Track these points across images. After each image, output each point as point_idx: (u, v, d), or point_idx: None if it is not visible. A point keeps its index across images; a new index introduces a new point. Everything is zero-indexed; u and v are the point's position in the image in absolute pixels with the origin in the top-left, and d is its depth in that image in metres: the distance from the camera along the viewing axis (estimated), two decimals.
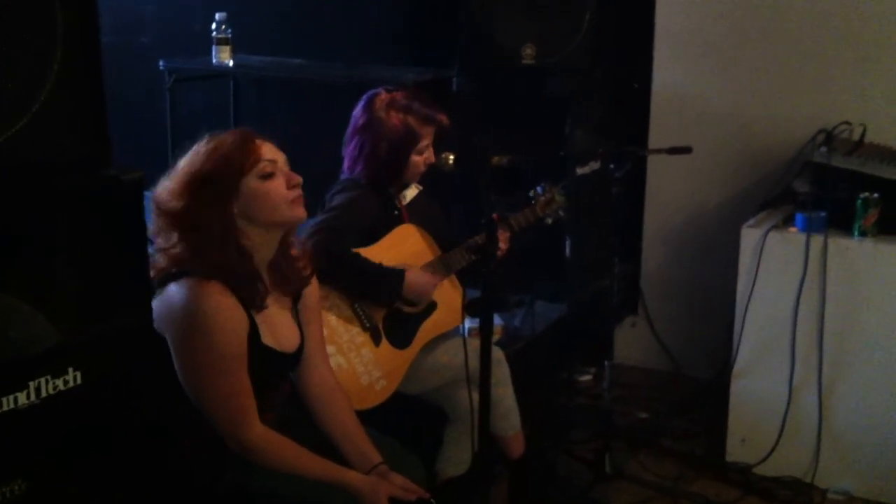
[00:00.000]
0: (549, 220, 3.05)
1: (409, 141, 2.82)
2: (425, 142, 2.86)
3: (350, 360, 2.69)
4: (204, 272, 2.10)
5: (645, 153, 3.85)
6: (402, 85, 3.18)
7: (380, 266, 2.74)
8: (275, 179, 2.18)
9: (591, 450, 3.35)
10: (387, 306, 2.80)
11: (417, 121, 2.83)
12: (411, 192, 2.97)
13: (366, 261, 2.72)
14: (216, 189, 2.14)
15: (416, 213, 2.97)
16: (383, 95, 2.87)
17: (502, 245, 2.90)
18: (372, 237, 2.81)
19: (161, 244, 2.16)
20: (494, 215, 2.91)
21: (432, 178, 3.00)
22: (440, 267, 2.88)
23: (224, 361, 2.09)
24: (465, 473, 2.86)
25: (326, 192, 2.85)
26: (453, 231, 3.09)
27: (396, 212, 2.93)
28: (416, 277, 2.79)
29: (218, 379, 2.10)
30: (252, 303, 2.16)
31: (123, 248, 1.69)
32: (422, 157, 2.86)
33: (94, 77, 1.59)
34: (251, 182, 2.16)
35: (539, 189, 3.02)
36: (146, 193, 1.85)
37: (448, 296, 2.90)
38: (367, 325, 2.75)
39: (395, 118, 2.82)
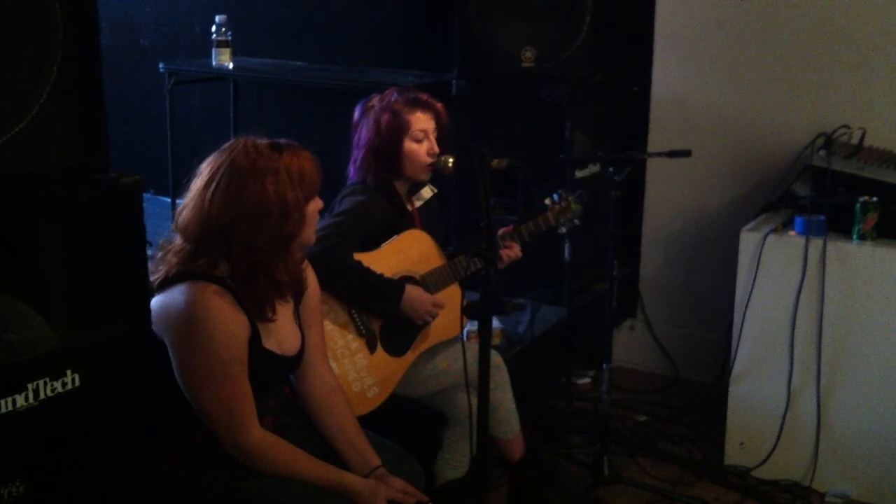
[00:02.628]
0: (563, 230, 3.04)
1: (398, 127, 2.81)
2: (418, 127, 2.82)
3: (343, 366, 2.68)
4: (209, 276, 2.10)
5: (644, 156, 3.86)
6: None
7: (381, 277, 2.71)
8: (318, 204, 2.24)
9: (590, 453, 3.35)
10: (383, 317, 2.79)
11: (403, 106, 2.83)
12: (427, 193, 2.96)
13: (367, 270, 2.69)
14: (293, 212, 2.14)
15: (427, 217, 2.96)
16: (374, 97, 2.90)
17: (510, 254, 2.89)
18: (380, 239, 2.80)
19: (172, 248, 2.16)
20: (510, 226, 2.93)
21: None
22: (446, 274, 2.87)
23: (224, 365, 2.09)
24: (464, 477, 2.85)
25: (335, 194, 2.84)
26: (451, 236, 3.09)
27: (407, 215, 2.92)
28: (416, 295, 2.76)
29: (218, 383, 2.09)
30: (262, 314, 2.16)
31: (121, 250, 1.69)
32: (421, 146, 2.83)
33: (93, 81, 1.59)
34: (312, 206, 2.21)
35: (555, 197, 3.01)
36: (166, 198, 1.85)
37: (449, 304, 2.86)
38: (364, 331, 2.74)
39: (384, 110, 2.84)
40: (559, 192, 3.02)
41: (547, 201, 3.02)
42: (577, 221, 3.04)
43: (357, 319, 2.73)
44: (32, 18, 1.51)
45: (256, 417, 2.16)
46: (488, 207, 2.18)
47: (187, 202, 2.15)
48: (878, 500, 3.20)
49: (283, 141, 2.20)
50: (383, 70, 4.18)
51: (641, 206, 4.15)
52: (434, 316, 2.80)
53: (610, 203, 3.14)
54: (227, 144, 2.18)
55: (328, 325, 2.67)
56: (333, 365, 2.63)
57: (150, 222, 1.76)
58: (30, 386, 1.55)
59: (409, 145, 2.83)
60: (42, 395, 1.57)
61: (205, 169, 2.15)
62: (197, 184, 2.14)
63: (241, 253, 2.10)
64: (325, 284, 2.59)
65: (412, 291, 2.75)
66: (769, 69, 3.79)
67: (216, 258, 2.12)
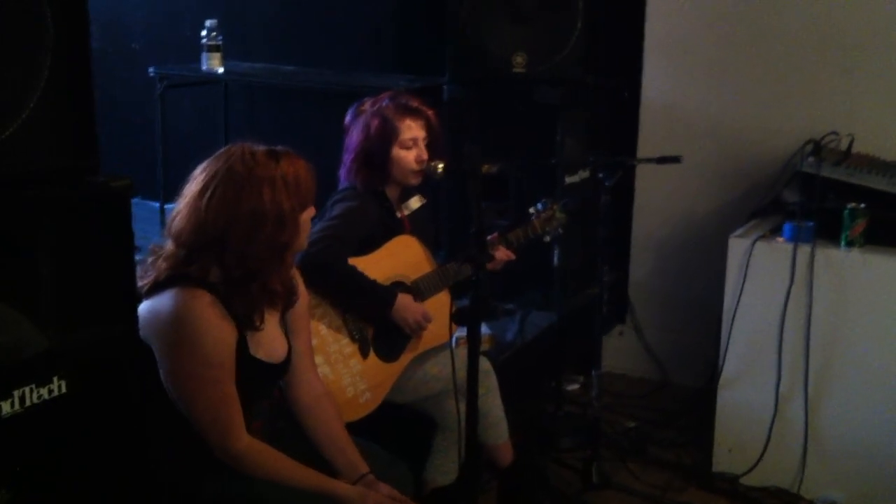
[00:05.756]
0: (548, 238, 3.05)
1: (387, 133, 2.81)
2: (408, 135, 2.83)
3: (337, 371, 2.68)
4: (199, 282, 2.10)
5: (634, 162, 3.86)
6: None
7: (374, 283, 2.72)
8: (311, 212, 2.23)
9: (579, 459, 3.35)
10: (374, 322, 2.79)
11: (394, 112, 2.83)
12: (415, 203, 2.97)
13: (361, 275, 2.70)
14: (289, 221, 2.13)
15: (416, 225, 2.97)
16: (366, 101, 2.90)
17: (500, 256, 2.89)
18: (371, 245, 2.80)
19: (163, 253, 2.15)
20: (495, 234, 2.94)
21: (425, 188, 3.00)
22: (437, 279, 2.87)
23: (211, 371, 2.08)
24: (453, 483, 2.85)
25: (327, 199, 2.84)
26: (442, 242, 3.09)
27: (397, 221, 2.92)
28: (407, 303, 2.76)
29: (205, 389, 2.09)
30: (250, 322, 2.16)
31: (110, 255, 1.69)
32: (410, 153, 2.84)
33: (83, 84, 1.59)
34: (305, 215, 2.20)
35: (539, 205, 3.02)
36: (155, 203, 1.84)
37: (441, 310, 2.86)
38: (357, 336, 2.74)
39: (374, 115, 2.84)
40: (544, 200, 3.02)
41: (532, 210, 3.03)
42: (561, 230, 3.05)
43: (351, 324, 2.73)
44: (23, 21, 1.50)
45: (244, 424, 2.15)
46: (479, 212, 2.18)
47: (181, 208, 2.13)
48: None
49: (279, 148, 2.18)
50: (375, 74, 4.18)
51: (631, 211, 4.16)
52: (423, 327, 2.80)
53: (600, 208, 3.14)
54: (222, 150, 2.16)
55: (322, 329, 2.67)
56: (327, 369, 2.64)
57: (139, 227, 1.76)
58: (16, 393, 1.54)
59: (398, 152, 2.83)
60: (28, 402, 1.56)
61: (200, 175, 2.13)
62: (192, 190, 2.12)
63: (234, 261, 2.09)
64: (317, 287, 2.59)
65: (403, 300, 2.75)
66: (759, 75, 3.81)
67: (208, 264, 2.11)
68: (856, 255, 3.12)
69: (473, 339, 2.16)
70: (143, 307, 2.07)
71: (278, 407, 2.35)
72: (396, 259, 2.83)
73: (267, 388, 2.31)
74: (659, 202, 4.10)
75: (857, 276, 3.11)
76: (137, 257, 1.95)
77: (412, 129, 2.84)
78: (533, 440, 3.53)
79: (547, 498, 3.21)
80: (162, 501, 1.91)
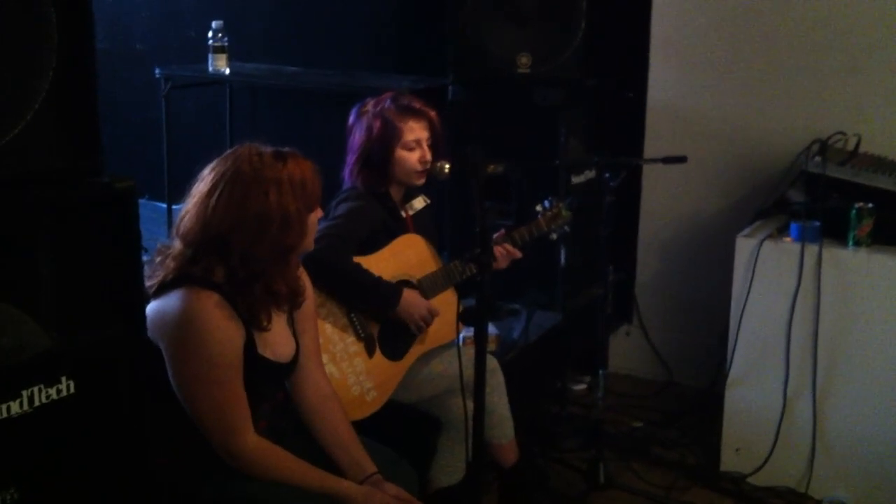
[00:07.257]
0: (554, 236, 3.05)
1: (389, 134, 2.82)
2: (411, 136, 2.83)
3: (342, 369, 2.68)
4: (205, 282, 2.09)
5: (640, 162, 3.86)
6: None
7: (378, 279, 2.72)
8: (318, 214, 2.24)
9: (584, 459, 3.35)
10: (380, 320, 2.79)
11: (395, 114, 2.84)
12: (419, 203, 2.98)
13: (365, 272, 2.70)
14: (294, 222, 2.14)
15: (420, 225, 2.97)
16: (368, 101, 2.90)
17: (501, 251, 2.89)
18: (375, 245, 2.80)
19: (171, 252, 2.14)
20: (501, 231, 2.94)
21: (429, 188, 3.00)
22: (442, 278, 2.87)
23: (219, 371, 2.08)
24: (459, 483, 2.85)
25: (330, 199, 2.84)
26: (445, 242, 3.09)
27: (400, 221, 2.92)
28: (412, 299, 2.76)
29: (212, 388, 2.09)
30: (257, 322, 2.15)
31: (117, 255, 1.69)
32: (413, 154, 2.84)
33: (87, 86, 1.59)
34: (312, 217, 2.21)
35: (546, 203, 3.01)
36: (162, 204, 1.83)
37: (446, 309, 2.86)
38: (362, 334, 2.74)
39: (376, 116, 2.84)
40: (550, 198, 3.02)
41: (538, 208, 3.03)
42: (567, 228, 3.05)
43: (356, 323, 2.73)
44: (27, 22, 1.50)
45: (251, 423, 2.15)
46: (483, 212, 2.17)
47: (189, 208, 2.14)
48: None
49: (286, 149, 2.18)
50: (377, 75, 4.18)
51: (637, 211, 4.15)
52: (428, 323, 2.79)
53: (603, 208, 3.14)
54: (230, 151, 2.17)
55: (327, 328, 2.67)
56: (333, 368, 2.64)
57: (146, 227, 1.75)
58: (24, 393, 1.54)
59: (401, 153, 2.84)
60: (37, 402, 1.56)
61: (208, 175, 2.14)
62: (200, 190, 2.13)
63: (239, 262, 2.10)
64: (322, 285, 2.59)
65: (409, 296, 2.75)
66: (765, 75, 3.80)
67: (214, 264, 2.11)
68: (863, 254, 3.11)
69: (481, 338, 2.15)
70: (151, 307, 2.07)
71: (281, 407, 2.35)
72: (401, 258, 2.84)
73: (274, 387, 2.31)
74: (665, 202, 4.10)
75: (864, 276, 3.10)
76: (145, 258, 1.95)
77: (415, 131, 2.84)
78: (537, 441, 3.53)
79: (546, 498, 3.20)
80: (162, 501, 1.91)
